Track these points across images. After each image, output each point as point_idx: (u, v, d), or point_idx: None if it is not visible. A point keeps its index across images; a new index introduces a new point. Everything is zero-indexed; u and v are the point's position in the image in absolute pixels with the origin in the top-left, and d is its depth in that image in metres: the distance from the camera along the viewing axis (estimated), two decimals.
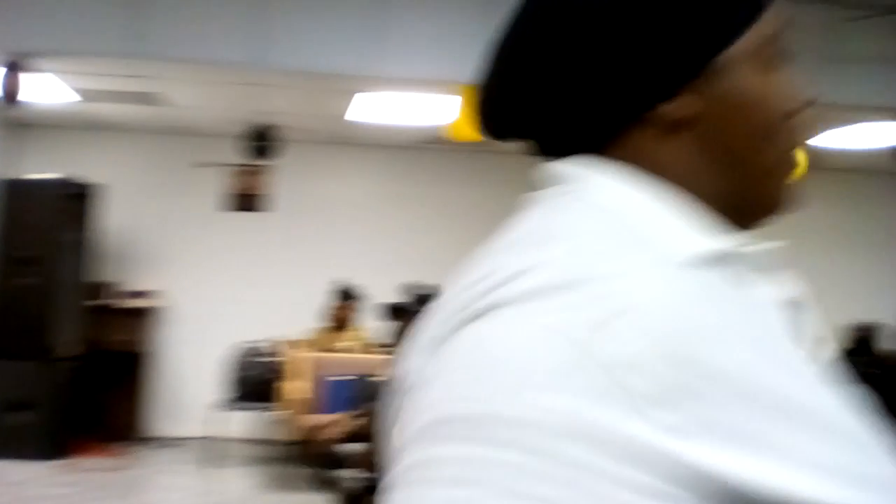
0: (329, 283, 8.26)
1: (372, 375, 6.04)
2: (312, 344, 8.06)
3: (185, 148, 9.13)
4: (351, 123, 8.18)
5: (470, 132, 5.95)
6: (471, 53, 6.22)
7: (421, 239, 9.49)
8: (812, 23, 6.17)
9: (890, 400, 2.98)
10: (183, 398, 8.96)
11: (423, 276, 7.29)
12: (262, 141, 8.19)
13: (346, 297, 8.09)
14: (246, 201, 9.25)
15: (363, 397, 5.77)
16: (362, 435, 4.80)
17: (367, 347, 7.82)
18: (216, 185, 9.21)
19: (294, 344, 8.22)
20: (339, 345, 7.86)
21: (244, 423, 8.66)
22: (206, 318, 9.02)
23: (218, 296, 9.12)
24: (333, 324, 8.16)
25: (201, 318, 9.04)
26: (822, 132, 7.78)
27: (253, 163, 8.69)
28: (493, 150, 9.35)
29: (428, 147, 9.28)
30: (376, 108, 7.45)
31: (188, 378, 8.99)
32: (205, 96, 7.64)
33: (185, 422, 8.76)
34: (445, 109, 6.62)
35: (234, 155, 8.58)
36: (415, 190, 9.66)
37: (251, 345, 8.47)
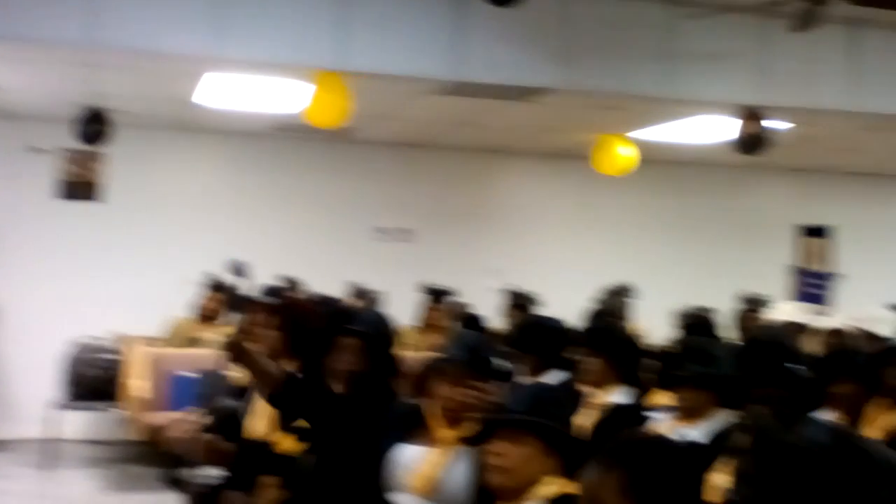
0: (200, 274, 7.99)
1: (224, 370, 5.93)
2: (173, 337, 7.85)
3: (15, 132, 8.75)
4: (198, 108, 8.00)
5: (324, 118, 5.93)
6: (326, 37, 6.23)
7: (272, 229, 9.40)
8: (650, 19, 6.46)
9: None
10: (17, 399, 8.58)
11: (275, 268, 7.23)
12: (94, 125, 7.85)
13: (217, 289, 7.87)
14: (79, 189, 8.92)
15: (212, 393, 5.68)
16: (209, 431, 4.73)
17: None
18: (50, 172, 8.85)
19: (135, 340, 7.99)
20: (205, 338, 7.66)
21: (84, 423, 8.38)
22: (42, 314, 8.67)
23: (54, 289, 8.77)
24: (202, 316, 7.94)
25: (36, 314, 8.68)
26: (658, 125, 8.16)
27: (86, 149, 8.35)
28: (347, 140, 9.35)
29: (280, 135, 9.19)
30: (225, 93, 7.32)
31: (22, 377, 8.62)
32: (34, 77, 7.32)
33: (20, 423, 8.39)
34: (299, 95, 6.57)
35: (68, 140, 8.24)
36: (266, 179, 9.54)
37: (90, 341, 8.18)
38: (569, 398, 3.66)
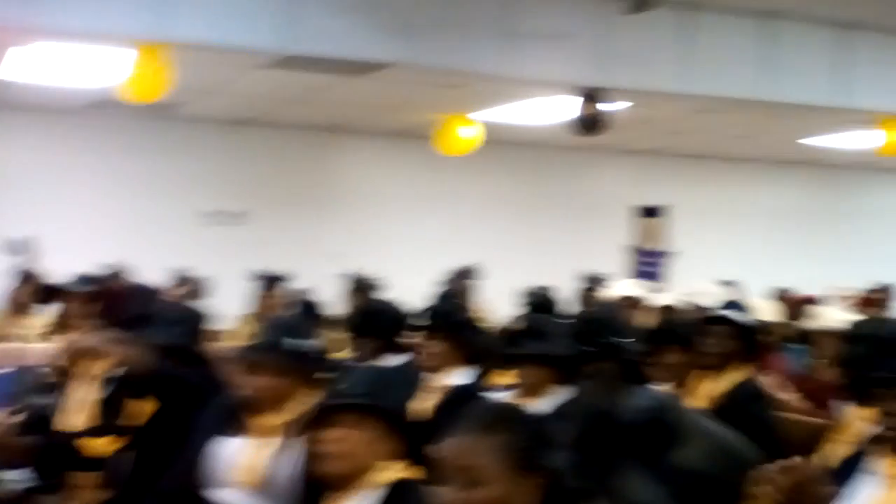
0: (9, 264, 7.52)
1: (40, 366, 5.63)
2: None
3: None
4: (4, 83, 7.55)
5: (143, 93, 5.69)
6: (145, 5, 5.93)
7: (91, 214, 9.00)
8: None
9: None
10: None
11: (96, 256, 6.93)
12: None
13: (27, 278, 7.39)
14: None
15: (25, 391, 5.38)
16: (21, 431, 4.48)
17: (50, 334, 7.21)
18: None
19: None
20: (16, 332, 7.18)
21: None
22: None
23: None
24: (13, 308, 7.45)
25: None
26: (501, 105, 8.27)
27: None
28: (171, 116, 9.04)
29: (96, 111, 8.78)
30: (35, 66, 6.92)
31: None
32: None
33: None
34: (116, 67, 6.27)
35: None
36: (81, 159, 9.12)
37: None
38: (407, 381, 3.66)
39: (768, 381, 4.28)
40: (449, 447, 1.82)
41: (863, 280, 9.80)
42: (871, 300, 8.32)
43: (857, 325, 3.67)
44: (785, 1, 6.82)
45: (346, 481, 2.42)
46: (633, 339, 3.14)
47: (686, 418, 1.51)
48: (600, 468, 1.50)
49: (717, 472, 1.46)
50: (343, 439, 2.41)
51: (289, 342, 2.96)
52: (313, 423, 2.51)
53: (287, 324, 3.16)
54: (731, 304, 3.99)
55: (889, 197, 12.58)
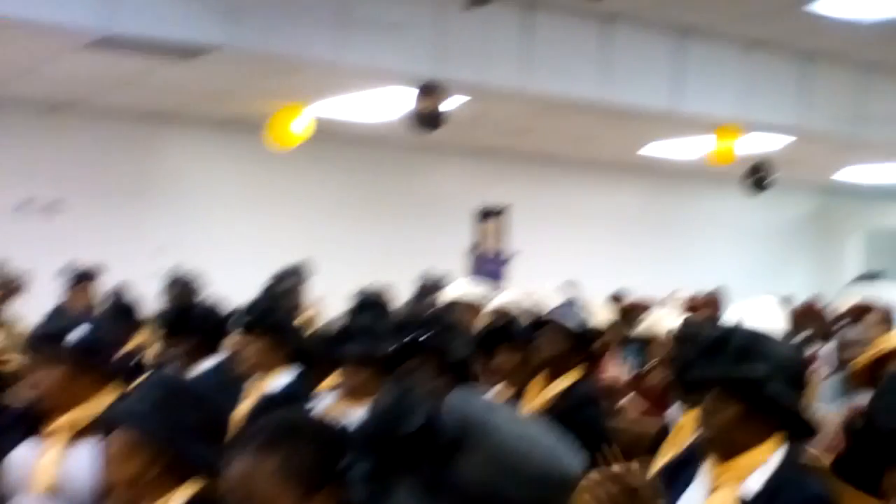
0: None
1: None
2: None
3: None
4: None
5: None
6: None
7: None
8: None
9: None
10: None
11: None
12: None
13: None
14: None
15: None
16: None
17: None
18: None
19: None
20: None
21: None
22: None
23: None
24: None
25: None
26: (336, 97, 8.10)
27: None
28: None
29: None
30: None
31: None
32: None
33: None
34: None
35: None
36: None
37: None
38: (221, 386, 3.50)
39: (603, 384, 4.29)
40: (230, 470, 1.67)
41: (696, 284, 10.10)
42: (705, 303, 8.55)
43: (682, 327, 3.72)
44: (624, 4, 6.92)
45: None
46: (463, 340, 3.06)
47: (492, 427, 1.39)
48: (381, 481, 1.38)
49: (507, 488, 1.37)
50: (118, 456, 2.23)
51: (73, 337, 2.75)
52: (100, 430, 2.32)
53: (74, 318, 2.94)
54: (567, 307, 3.99)
55: (720, 203, 13.06)
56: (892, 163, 10.94)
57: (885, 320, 7.03)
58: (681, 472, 2.45)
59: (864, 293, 11.13)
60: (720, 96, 8.06)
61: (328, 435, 1.69)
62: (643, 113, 8.04)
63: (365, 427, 1.47)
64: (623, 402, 4.48)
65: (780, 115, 8.39)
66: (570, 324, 3.74)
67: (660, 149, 10.58)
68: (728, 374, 2.27)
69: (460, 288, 5.79)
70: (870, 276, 13.69)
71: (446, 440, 1.37)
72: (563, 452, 1.49)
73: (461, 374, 2.90)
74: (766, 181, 10.25)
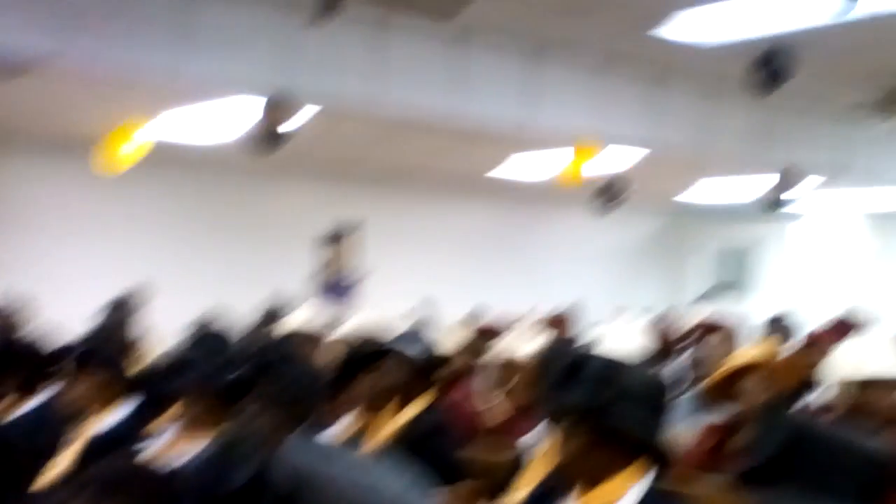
0: None
1: None
2: None
3: None
4: None
5: None
6: None
7: None
8: None
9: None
10: None
11: None
12: None
13: None
14: None
15: None
16: None
17: None
18: None
19: None
20: None
21: None
22: None
23: None
24: None
25: None
26: (175, 113, 7.83)
27: None
28: None
29: None
30: None
31: None
32: None
33: None
34: None
35: None
36: None
37: None
38: (41, 429, 3.30)
39: (455, 410, 4.21)
40: None
41: (550, 302, 10.21)
42: (556, 322, 8.63)
43: (539, 353, 3.78)
44: (477, 20, 6.91)
45: None
46: (307, 371, 2.93)
47: (327, 480, 1.31)
48: None
49: None
50: None
51: None
52: None
53: None
54: (410, 333, 3.92)
55: (573, 223, 13.29)
56: (736, 176, 11.37)
57: (733, 336, 7.23)
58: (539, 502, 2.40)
59: (711, 309, 11.50)
60: (573, 114, 8.17)
61: (155, 487, 1.57)
62: (496, 128, 8.07)
63: (190, 480, 1.35)
64: (475, 426, 4.41)
65: (631, 132, 8.58)
66: (411, 352, 3.67)
67: (512, 169, 10.68)
68: (580, 403, 2.23)
69: (307, 315, 5.63)
70: (720, 289, 14.19)
71: (277, 497, 1.27)
72: (408, 498, 1.40)
73: (300, 408, 2.78)
74: (616, 201, 10.47)
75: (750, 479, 1.89)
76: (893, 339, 3.77)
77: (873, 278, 13.72)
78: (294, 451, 1.35)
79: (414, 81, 7.31)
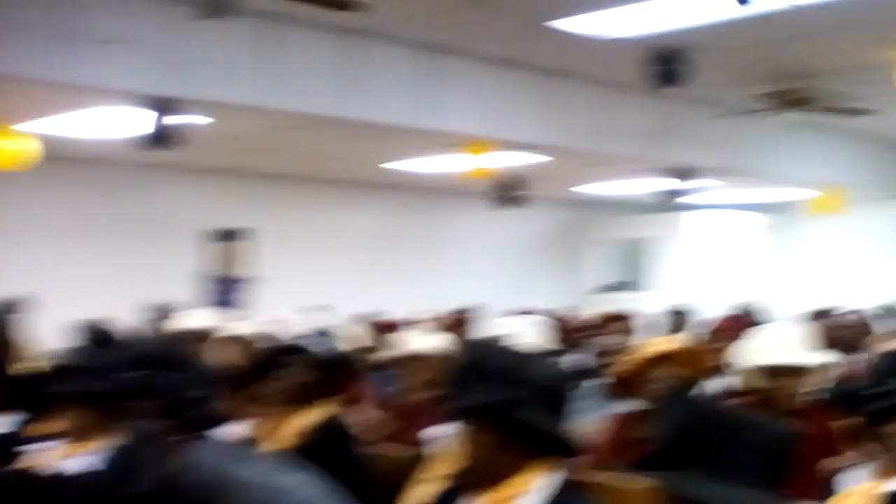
0: None
1: None
2: None
3: None
4: None
5: None
6: None
7: None
8: None
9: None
10: None
11: None
12: None
13: None
14: None
15: None
16: None
17: None
18: None
19: None
20: None
21: None
22: None
23: None
24: None
25: None
26: (58, 115, 7.57)
27: None
28: None
29: None
30: None
31: None
32: None
33: None
34: None
35: None
36: None
37: None
38: None
39: (358, 413, 4.15)
40: None
41: (449, 302, 10.20)
42: (457, 322, 8.64)
43: (446, 349, 3.78)
44: (370, 20, 6.83)
45: None
46: (198, 372, 2.83)
47: (239, 484, 1.26)
48: None
49: None
50: None
51: None
52: None
53: None
54: (315, 333, 3.86)
55: (471, 219, 13.32)
56: (634, 179, 11.54)
57: (632, 328, 7.35)
58: None
59: (609, 302, 11.70)
60: (466, 113, 8.14)
61: (40, 492, 1.50)
62: (387, 129, 8.01)
63: (89, 487, 1.29)
64: (378, 429, 4.36)
65: (527, 133, 8.59)
66: (317, 352, 3.62)
67: (408, 165, 10.64)
68: (482, 401, 2.20)
69: (197, 317, 5.50)
70: (614, 287, 14.42)
71: (188, 501, 1.21)
72: (319, 500, 1.36)
73: (193, 410, 2.68)
74: (515, 197, 10.53)
75: (656, 463, 1.87)
76: (795, 329, 3.86)
77: (768, 271, 14.13)
78: (203, 454, 1.29)
79: (306, 81, 7.20)
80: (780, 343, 3.54)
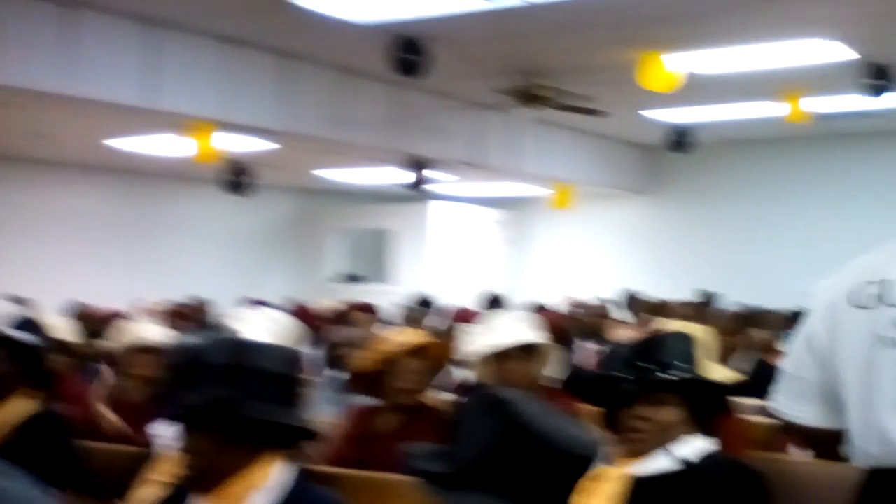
0: None
1: None
2: None
3: None
4: None
5: None
6: None
7: None
8: None
9: None
10: None
11: None
12: None
13: None
14: None
15: None
16: None
17: None
18: None
19: None
20: None
21: None
22: None
23: None
24: None
25: None
26: None
27: None
28: None
29: None
30: None
31: None
32: None
33: None
34: None
35: None
36: None
37: None
38: None
39: (71, 403, 3.93)
40: None
41: (175, 293, 9.89)
42: (183, 314, 8.35)
43: (167, 344, 3.70)
44: None
45: None
46: None
47: None
48: None
49: None
50: None
51: None
52: None
53: None
54: (25, 321, 3.63)
55: (199, 206, 12.99)
56: (372, 167, 11.61)
57: (372, 321, 7.38)
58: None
59: (349, 293, 11.74)
60: (195, 93, 7.83)
61: None
62: (111, 107, 7.61)
63: None
64: (101, 422, 4.14)
65: (258, 116, 8.37)
66: (20, 341, 3.43)
67: (132, 144, 10.19)
68: (204, 401, 2.11)
69: None
70: (355, 278, 14.51)
71: None
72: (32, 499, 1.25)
73: None
74: (246, 183, 10.34)
75: (453, 482, 1.71)
76: (516, 314, 4.03)
77: (503, 264, 14.65)
78: None
79: (19, 52, 6.72)
80: (503, 328, 3.67)
